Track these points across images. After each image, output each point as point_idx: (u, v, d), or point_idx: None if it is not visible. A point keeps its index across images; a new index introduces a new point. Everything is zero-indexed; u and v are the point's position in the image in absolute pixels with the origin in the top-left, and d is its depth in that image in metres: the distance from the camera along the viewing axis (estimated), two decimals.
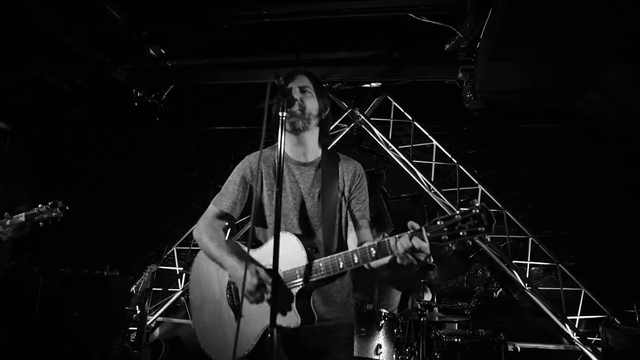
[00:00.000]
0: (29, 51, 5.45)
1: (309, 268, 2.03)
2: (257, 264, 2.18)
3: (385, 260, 1.94)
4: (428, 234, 1.73)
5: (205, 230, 2.34)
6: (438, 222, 1.71)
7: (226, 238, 2.42)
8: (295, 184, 2.30)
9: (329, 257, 2.01)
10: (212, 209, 2.38)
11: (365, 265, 2.07)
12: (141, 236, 6.63)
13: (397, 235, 1.83)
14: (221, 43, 5.31)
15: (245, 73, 5.52)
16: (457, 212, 1.67)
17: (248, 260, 2.13)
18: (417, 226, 1.77)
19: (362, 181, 2.36)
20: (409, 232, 1.79)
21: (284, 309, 2.06)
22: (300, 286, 2.05)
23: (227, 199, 2.34)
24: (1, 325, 4.48)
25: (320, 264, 2.01)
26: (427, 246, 1.74)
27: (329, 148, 2.55)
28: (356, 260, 1.94)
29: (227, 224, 2.45)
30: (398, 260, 1.86)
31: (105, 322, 4.81)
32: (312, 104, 2.31)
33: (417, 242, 1.75)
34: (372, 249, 1.89)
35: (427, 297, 4.60)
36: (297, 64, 5.26)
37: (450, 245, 1.75)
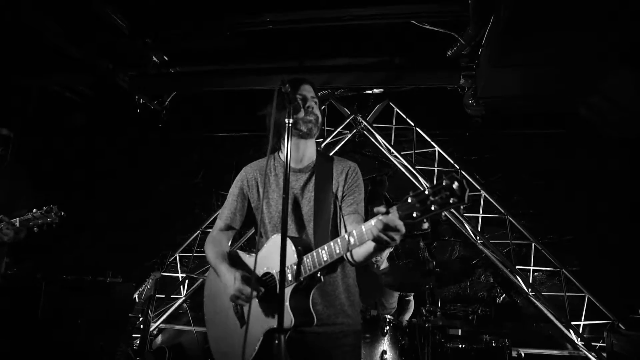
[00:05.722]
0: (32, 59, 5.48)
1: (297, 265, 2.03)
2: (250, 270, 2.21)
3: (369, 248, 1.94)
4: (399, 213, 1.67)
5: (209, 244, 2.48)
6: (409, 200, 1.63)
7: (228, 244, 2.52)
8: (291, 189, 2.34)
9: (314, 251, 2.01)
10: (217, 223, 2.53)
11: (349, 257, 2.10)
12: (144, 243, 6.62)
13: (370, 220, 1.80)
14: (224, 50, 5.34)
15: (247, 79, 5.54)
16: (428, 186, 1.59)
17: (240, 268, 2.24)
18: (383, 209, 1.73)
19: (355, 179, 2.37)
20: (380, 214, 1.74)
21: (279, 309, 2.05)
22: (292, 285, 2.04)
23: (227, 210, 2.48)
24: (3, 332, 4.47)
25: (307, 260, 2.02)
26: (401, 223, 1.68)
27: (331, 154, 2.57)
28: (338, 250, 1.92)
29: (232, 235, 2.55)
30: (375, 245, 1.82)
31: (109, 329, 4.80)
32: (319, 113, 2.42)
33: (387, 219, 1.70)
34: (350, 237, 1.88)
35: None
36: (300, 71, 5.28)
37: (424, 221, 1.63)
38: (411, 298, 4.77)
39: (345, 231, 2.22)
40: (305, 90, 2.37)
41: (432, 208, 1.56)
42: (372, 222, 1.77)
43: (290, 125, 2.00)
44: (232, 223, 2.47)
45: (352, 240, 1.87)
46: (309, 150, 2.43)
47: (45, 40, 4.83)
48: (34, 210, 3.41)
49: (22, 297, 4.73)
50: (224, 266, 2.28)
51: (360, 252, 2.05)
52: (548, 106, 5.47)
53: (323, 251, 1.97)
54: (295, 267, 2.04)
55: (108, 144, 7.04)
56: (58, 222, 3.47)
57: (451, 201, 1.51)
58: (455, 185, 1.50)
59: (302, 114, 2.27)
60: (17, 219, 3.39)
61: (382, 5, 4.37)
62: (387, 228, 1.70)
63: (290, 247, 2.05)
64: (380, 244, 1.80)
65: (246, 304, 2.11)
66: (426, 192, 1.58)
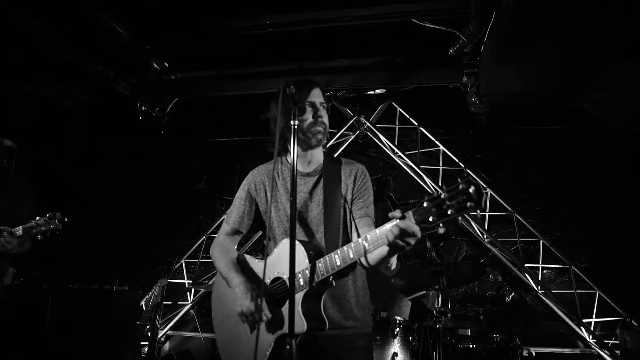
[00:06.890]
0: (33, 68, 5.48)
1: (309, 270, 2.01)
2: (259, 278, 2.19)
3: (382, 252, 1.89)
4: (415, 217, 1.66)
5: (216, 249, 2.44)
6: (425, 204, 1.62)
7: (236, 249, 2.49)
8: (299, 193, 2.31)
9: (327, 255, 1.99)
10: (223, 227, 2.49)
11: (363, 261, 2.05)
12: (149, 250, 6.60)
13: (385, 224, 1.78)
14: (224, 54, 5.33)
15: (249, 83, 5.53)
16: (444, 190, 1.56)
17: (251, 279, 2.22)
18: (399, 214, 1.71)
19: (364, 181, 2.34)
20: (395, 219, 1.72)
21: (290, 314, 2.02)
22: (304, 290, 2.01)
23: (234, 214, 2.44)
24: (11, 343, 4.45)
25: (320, 264, 1.99)
26: (418, 229, 1.66)
27: (335, 156, 2.55)
28: (351, 255, 1.90)
29: (239, 239, 2.52)
30: (390, 249, 1.79)
31: (117, 338, 4.77)
32: (327, 121, 2.35)
33: (404, 225, 1.67)
34: (364, 241, 1.86)
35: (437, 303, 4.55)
36: (301, 73, 5.26)
37: (440, 226, 1.60)
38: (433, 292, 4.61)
39: (358, 235, 2.19)
40: (314, 95, 2.29)
41: (449, 212, 1.55)
42: (388, 226, 1.75)
43: (295, 127, 1.97)
44: (239, 227, 2.43)
45: (366, 245, 1.85)
46: (316, 154, 2.39)
47: (45, 49, 4.84)
48: (37, 217, 3.39)
49: (29, 307, 4.72)
50: (237, 277, 2.24)
51: (373, 256, 2.01)
52: (551, 102, 5.43)
53: (336, 255, 1.95)
54: (307, 271, 2.01)
55: (110, 152, 7.04)
56: (61, 229, 3.44)
57: (468, 205, 1.50)
58: (472, 189, 1.48)
59: (307, 115, 2.24)
60: (20, 227, 3.36)
61: (383, 4, 4.34)
62: (403, 233, 1.68)
63: (302, 251, 2.02)
64: (394, 249, 1.78)
65: (252, 323, 2.11)
66: (442, 196, 1.56)
